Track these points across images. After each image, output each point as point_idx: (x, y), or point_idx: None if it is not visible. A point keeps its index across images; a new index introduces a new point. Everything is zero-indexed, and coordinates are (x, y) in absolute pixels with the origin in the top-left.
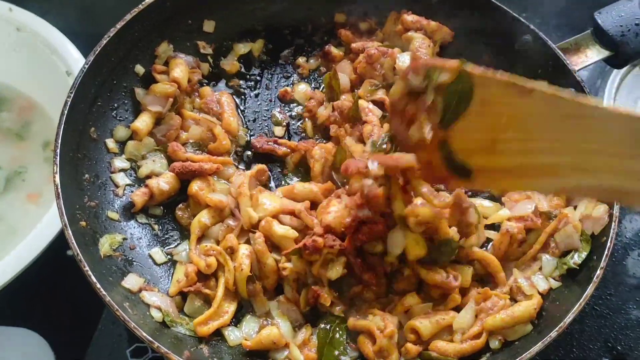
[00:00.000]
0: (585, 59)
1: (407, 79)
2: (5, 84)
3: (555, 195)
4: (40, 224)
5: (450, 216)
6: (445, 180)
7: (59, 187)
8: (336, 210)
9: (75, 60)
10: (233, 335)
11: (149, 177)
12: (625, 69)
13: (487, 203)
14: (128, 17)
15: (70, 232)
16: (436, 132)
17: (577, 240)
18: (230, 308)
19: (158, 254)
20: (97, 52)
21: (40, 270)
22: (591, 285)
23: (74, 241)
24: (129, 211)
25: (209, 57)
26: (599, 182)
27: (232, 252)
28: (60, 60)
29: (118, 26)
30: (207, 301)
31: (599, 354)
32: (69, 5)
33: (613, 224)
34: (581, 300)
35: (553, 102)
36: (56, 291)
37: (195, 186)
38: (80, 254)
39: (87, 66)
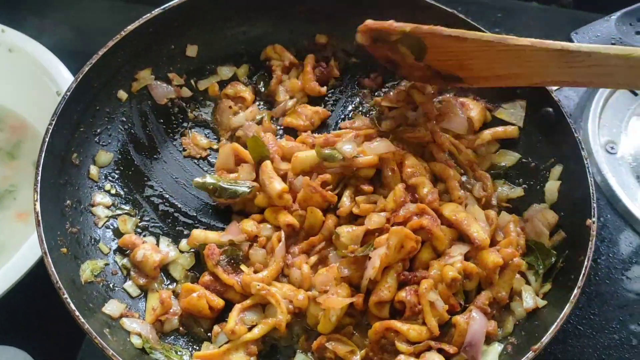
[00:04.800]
0: None
1: (360, 39)
2: None
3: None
4: (28, 243)
5: None
6: (440, 81)
7: (39, 214)
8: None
9: (66, 81)
10: None
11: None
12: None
13: None
14: (110, 43)
15: (49, 259)
16: (418, 63)
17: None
18: None
19: (132, 287)
20: (79, 79)
21: (27, 288)
22: (568, 305)
23: (53, 269)
24: (112, 237)
25: (192, 82)
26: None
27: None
28: (51, 80)
29: (100, 53)
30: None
31: None
32: (63, 26)
33: (590, 242)
34: (558, 320)
35: (482, 43)
36: (43, 309)
37: None
38: (59, 282)
39: (69, 93)
